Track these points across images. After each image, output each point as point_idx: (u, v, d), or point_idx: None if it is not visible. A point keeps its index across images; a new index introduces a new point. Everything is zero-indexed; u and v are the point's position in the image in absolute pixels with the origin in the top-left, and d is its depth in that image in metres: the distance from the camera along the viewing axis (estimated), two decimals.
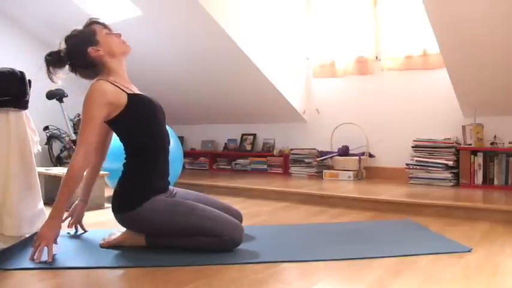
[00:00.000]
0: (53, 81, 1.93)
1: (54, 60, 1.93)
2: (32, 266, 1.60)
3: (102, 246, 1.86)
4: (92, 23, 1.95)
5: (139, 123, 1.86)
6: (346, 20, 4.14)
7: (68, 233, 2.14)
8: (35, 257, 1.60)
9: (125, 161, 1.91)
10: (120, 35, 1.96)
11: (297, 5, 4.42)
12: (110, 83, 1.86)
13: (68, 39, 1.93)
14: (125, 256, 1.74)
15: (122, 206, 1.83)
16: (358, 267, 1.60)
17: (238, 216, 2.04)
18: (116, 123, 1.85)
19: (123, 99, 1.83)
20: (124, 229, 1.89)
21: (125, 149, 1.91)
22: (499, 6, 2.56)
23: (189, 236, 1.77)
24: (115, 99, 1.82)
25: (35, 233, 1.93)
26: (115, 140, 3.17)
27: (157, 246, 1.82)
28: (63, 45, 1.93)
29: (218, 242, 1.75)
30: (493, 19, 2.67)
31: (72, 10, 3.99)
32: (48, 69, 1.93)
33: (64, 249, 1.86)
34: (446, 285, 1.41)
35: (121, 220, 1.86)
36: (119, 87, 1.86)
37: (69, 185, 1.75)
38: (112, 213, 1.89)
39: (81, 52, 1.89)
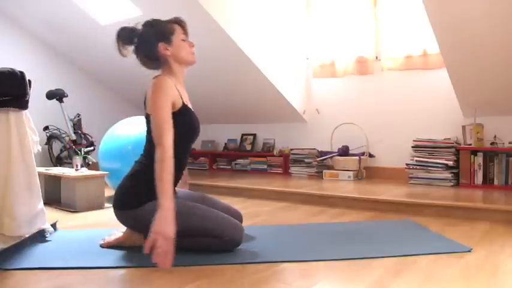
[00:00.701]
0: (121, 55, 1.92)
1: (123, 36, 1.90)
2: (32, 266, 1.60)
3: (102, 246, 1.86)
4: (176, 22, 1.95)
5: (177, 134, 1.80)
6: (346, 20, 4.14)
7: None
8: (158, 260, 1.43)
9: (141, 158, 1.90)
10: (193, 46, 1.96)
11: (297, 5, 4.41)
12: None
13: (146, 24, 1.91)
14: (125, 256, 1.74)
15: (125, 204, 1.81)
16: (358, 267, 1.60)
17: (239, 217, 2.04)
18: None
19: (178, 105, 1.82)
20: (124, 229, 1.89)
21: (146, 148, 1.89)
22: (499, 6, 2.56)
23: (189, 236, 1.77)
24: (174, 100, 1.81)
25: (35, 233, 1.94)
26: (115, 140, 3.19)
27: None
28: (139, 27, 1.91)
29: (218, 243, 1.75)
30: (493, 19, 2.67)
31: (72, 10, 3.99)
32: (118, 42, 1.90)
33: (64, 249, 1.86)
34: (446, 285, 1.41)
35: (121, 217, 1.85)
36: (178, 92, 1.84)
37: (169, 166, 1.63)
38: (113, 212, 1.88)
39: (151, 43, 1.88)
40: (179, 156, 1.82)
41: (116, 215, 1.87)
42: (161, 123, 1.70)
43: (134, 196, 1.81)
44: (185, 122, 1.85)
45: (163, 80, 1.80)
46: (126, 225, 1.87)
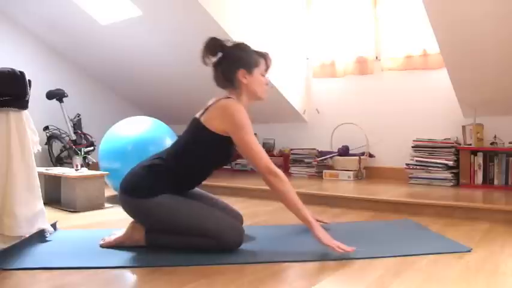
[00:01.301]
0: (203, 62, 1.92)
1: (210, 46, 1.91)
2: (32, 266, 1.60)
3: (102, 246, 1.86)
4: (265, 57, 1.96)
5: (212, 155, 1.88)
6: (346, 20, 4.14)
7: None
8: (345, 251, 1.66)
9: (164, 155, 1.89)
10: (267, 83, 1.99)
11: (297, 5, 4.41)
12: None
13: (236, 46, 1.94)
14: (125, 256, 1.74)
15: (137, 191, 1.80)
16: (358, 267, 1.60)
17: (239, 218, 2.04)
18: (213, 136, 1.83)
19: None
20: (124, 229, 1.88)
21: (178, 148, 1.90)
22: (499, 6, 2.56)
23: (189, 235, 1.77)
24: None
25: (35, 233, 1.94)
26: (115, 140, 3.19)
27: (157, 245, 1.82)
28: (229, 44, 1.92)
29: (218, 244, 1.75)
30: (493, 19, 2.67)
31: (72, 10, 3.99)
32: (204, 50, 1.92)
33: (64, 249, 1.86)
34: (446, 285, 1.41)
35: (127, 204, 1.84)
36: None
37: (293, 191, 1.81)
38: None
39: (234, 65, 1.90)
40: (198, 173, 1.91)
41: (121, 200, 1.85)
42: (259, 151, 1.77)
43: (147, 186, 1.80)
44: (225, 148, 1.88)
45: (241, 106, 1.83)
46: (129, 213, 1.86)
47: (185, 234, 1.78)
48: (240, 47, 1.93)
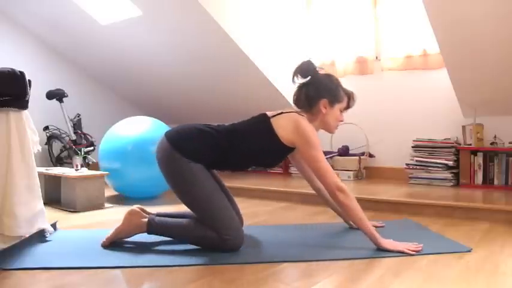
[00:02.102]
0: (292, 80, 1.99)
1: (304, 69, 1.97)
2: (32, 266, 1.60)
3: (104, 245, 1.86)
4: (349, 96, 2.03)
5: (269, 157, 1.95)
6: (346, 20, 4.14)
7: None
8: (416, 251, 1.74)
9: (219, 129, 1.91)
10: (341, 121, 2.04)
11: (297, 5, 4.41)
12: None
13: (327, 76, 2.00)
14: (125, 256, 1.74)
15: (181, 144, 1.81)
16: (358, 267, 1.60)
17: (241, 221, 2.05)
18: (275, 140, 1.87)
19: (293, 146, 1.90)
20: (120, 222, 1.89)
21: (235, 132, 1.91)
22: (499, 6, 2.56)
23: (195, 224, 1.79)
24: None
25: (35, 233, 1.94)
26: (115, 140, 3.19)
27: (157, 234, 1.85)
28: (321, 71, 2.00)
29: (220, 240, 1.74)
30: (493, 19, 2.67)
31: (72, 10, 3.99)
32: (296, 70, 1.98)
33: (64, 249, 1.86)
34: (446, 285, 1.41)
35: (163, 151, 1.84)
36: None
37: (358, 206, 1.82)
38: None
39: (319, 93, 1.94)
40: (241, 162, 1.95)
41: (161, 147, 1.85)
42: (327, 168, 1.82)
43: (193, 147, 1.82)
44: (280, 155, 1.96)
45: (314, 131, 1.88)
46: (160, 162, 1.85)
47: (197, 214, 1.80)
48: (331, 79, 1.99)
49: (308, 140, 1.83)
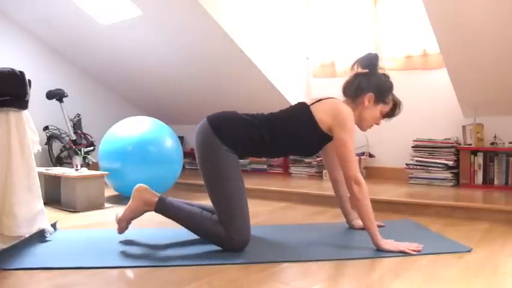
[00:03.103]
0: (351, 67, 2.04)
1: (365, 59, 2.01)
2: (32, 266, 1.60)
3: (120, 231, 1.89)
4: (396, 104, 2.04)
5: (307, 144, 1.95)
6: (346, 20, 4.14)
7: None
8: (416, 251, 1.74)
9: (259, 117, 1.92)
10: (377, 124, 2.05)
11: (297, 5, 4.41)
12: None
13: (384, 76, 1.99)
14: (125, 256, 1.74)
15: (221, 131, 1.82)
16: (358, 267, 1.60)
17: None
18: (314, 126, 1.88)
19: (330, 133, 1.90)
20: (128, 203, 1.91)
21: (276, 120, 1.92)
22: (500, 6, 2.56)
23: (205, 211, 1.82)
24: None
25: (35, 233, 1.94)
26: (115, 140, 3.19)
27: (164, 214, 1.85)
28: (380, 70, 2.00)
29: (225, 238, 1.74)
30: (493, 19, 2.67)
31: (72, 10, 3.99)
32: (359, 60, 2.04)
33: (64, 249, 1.86)
34: (446, 285, 1.41)
35: (204, 134, 1.84)
36: None
37: (369, 203, 1.82)
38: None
39: (370, 86, 1.94)
40: (279, 150, 1.96)
41: (202, 130, 1.85)
42: (352, 158, 1.82)
43: (235, 136, 1.83)
44: (317, 142, 1.95)
45: (352, 118, 1.88)
46: (198, 144, 1.85)
47: (216, 205, 1.80)
48: (387, 79, 1.99)
49: (343, 122, 1.84)
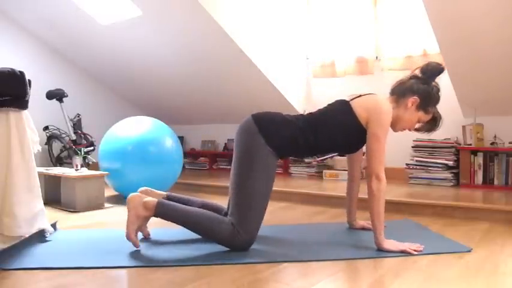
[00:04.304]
0: (412, 69, 2.02)
1: (427, 66, 1.97)
2: (32, 266, 1.60)
3: (136, 246, 1.81)
4: (436, 118, 2.01)
5: (346, 139, 1.94)
6: (346, 20, 4.14)
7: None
8: (417, 251, 1.75)
9: (302, 119, 1.92)
10: (409, 129, 2.04)
11: (297, 5, 4.42)
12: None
13: (436, 87, 1.97)
14: (125, 256, 1.74)
15: (265, 130, 1.82)
16: (358, 267, 1.60)
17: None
18: (353, 120, 1.89)
19: (366, 128, 1.89)
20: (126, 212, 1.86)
21: (319, 121, 1.92)
22: (500, 6, 2.56)
23: (207, 210, 1.80)
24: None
25: (35, 233, 1.94)
26: (115, 140, 3.19)
27: (165, 214, 1.81)
28: (434, 80, 1.97)
29: (230, 235, 1.73)
30: (494, 19, 2.67)
31: (72, 10, 3.99)
32: (425, 66, 1.99)
33: (64, 249, 1.86)
34: (446, 285, 1.41)
35: (247, 130, 1.85)
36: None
37: (384, 200, 1.81)
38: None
39: (419, 91, 1.93)
40: (320, 148, 1.94)
41: (245, 126, 1.86)
42: (381, 154, 1.82)
43: (277, 136, 1.83)
44: (357, 136, 1.92)
45: (390, 115, 1.88)
46: (239, 137, 1.87)
47: (237, 202, 1.78)
48: (437, 91, 1.96)
49: (381, 117, 1.84)
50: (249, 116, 1.90)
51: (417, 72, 1.98)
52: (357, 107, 1.89)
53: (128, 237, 1.80)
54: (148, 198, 1.82)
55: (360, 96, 1.96)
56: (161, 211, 1.80)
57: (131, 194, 1.86)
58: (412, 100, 1.93)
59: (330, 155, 4.05)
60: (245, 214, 1.76)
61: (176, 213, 1.81)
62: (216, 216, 1.81)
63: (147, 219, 1.90)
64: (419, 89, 1.93)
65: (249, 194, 1.78)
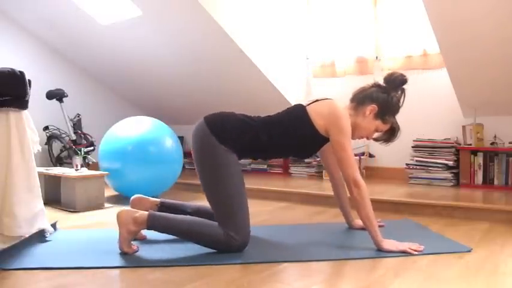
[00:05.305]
0: (382, 80, 2.01)
1: (391, 76, 1.98)
2: (32, 266, 1.60)
3: (132, 251, 1.76)
4: (394, 129, 2.05)
5: (303, 145, 1.95)
6: (346, 20, 4.14)
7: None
8: (417, 251, 1.75)
9: (256, 119, 1.92)
10: (366, 138, 2.03)
11: (297, 5, 4.41)
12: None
13: (396, 98, 1.99)
14: (125, 256, 1.73)
15: (217, 130, 1.81)
16: (358, 267, 1.60)
17: None
18: (310, 128, 1.89)
19: (327, 135, 1.90)
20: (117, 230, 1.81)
21: (272, 122, 1.92)
22: (500, 6, 2.56)
23: (198, 218, 1.79)
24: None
25: (35, 233, 1.94)
26: (115, 140, 3.19)
27: (158, 225, 1.77)
28: (398, 92, 1.99)
29: (224, 240, 1.72)
30: (494, 19, 2.67)
31: (72, 10, 3.99)
32: (390, 75, 2.01)
33: (64, 249, 1.86)
34: (446, 285, 1.41)
35: (201, 134, 1.83)
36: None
37: (370, 203, 1.82)
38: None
39: (378, 100, 1.94)
40: (274, 151, 1.95)
41: (198, 130, 1.85)
42: (351, 159, 1.82)
43: (233, 136, 1.82)
44: (313, 143, 1.95)
45: (348, 120, 1.87)
46: (195, 145, 1.85)
47: (215, 207, 1.78)
48: (397, 102, 1.98)
49: (339, 126, 1.84)
50: (202, 118, 1.89)
51: (380, 81, 1.99)
52: (313, 112, 1.89)
53: (121, 250, 1.76)
54: (139, 213, 1.76)
55: (317, 101, 1.96)
56: (153, 224, 1.76)
57: (121, 210, 1.78)
58: (371, 108, 1.93)
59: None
60: (230, 219, 1.74)
61: (168, 223, 1.78)
62: (208, 224, 1.77)
63: (139, 232, 1.85)
64: (379, 98, 1.94)
65: (225, 199, 1.77)
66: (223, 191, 1.78)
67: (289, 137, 1.90)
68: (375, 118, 1.95)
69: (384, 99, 1.94)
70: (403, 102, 2.01)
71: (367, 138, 2.04)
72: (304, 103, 1.98)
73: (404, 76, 1.95)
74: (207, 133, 1.81)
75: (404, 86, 1.97)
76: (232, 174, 1.80)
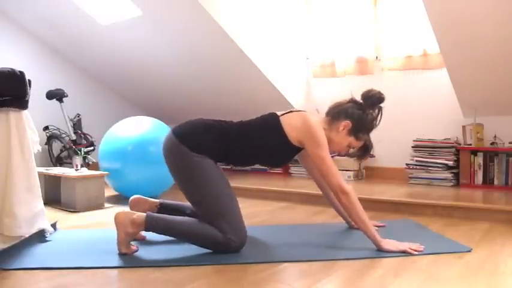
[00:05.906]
0: (360, 97, 2.01)
1: (368, 93, 1.98)
2: (32, 266, 1.60)
3: (130, 252, 1.76)
4: (367, 146, 2.02)
5: (276, 155, 1.95)
6: (346, 20, 4.14)
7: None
8: (418, 251, 1.75)
9: (229, 125, 1.92)
10: (339, 154, 2.07)
11: (297, 5, 4.41)
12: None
13: (371, 115, 1.98)
14: (125, 256, 1.74)
15: (187, 140, 1.80)
16: (358, 267, 1.60)
17: None
18: (283, 138, 1.89)
19: (301, 146, 1.91)
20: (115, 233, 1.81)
21: (245, 128, 1.92)
22: (500, 6, 2.56)
23: (196, 219, 1.77)
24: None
25: (35, 233, 1.94)
26: (115, 140, 3.19)
27: (156, 228, 1.76)
28: (374, 110, 1.98)
29: (222, 241, 1.71)
30: (493, 19, 2.67)
31: (72, 10, 3.98)
32: (368, 92, 2.01)
33: (64, 249, 1.86)
34: (446, 285, 1.41)
35: (171, 146, 1.83)
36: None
37: (360, 206, 1.81)
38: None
39: (353, 116, 1.94)
40: (247, 159, 1.96)
41: (167, 143, 1.85)
42: (333, 169, 1.82)
43: (199, 141, 1.81)
44: (286, 154, 1.94)
45: (322, 131, 1.87)
46: (167, 158, 1.85)
47: (203, 213, 1.76)
48: (371, 120, 1.97)
49: (315, 139, 1.83)
50: (169, 131, 1.89)
51: (357, 98, 1.99)
52: (286, 124, 1.89)
53: (120, 252, 1.75)
54: (137, 215, 1.75)
55: (291, 111, 1.95)
56: (151, 226, 1.76)
57: (118, 212, 1.78)
58: (344, 124, 1.93)
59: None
60: (224, 222, 1.73)
61: (166, 225, 1.77)
62: (206, 225, 1.76)
63: (137, 233, 1.83)
64: (354, 114, 1.93)
65: (212, 200, 1.76)
66: (208, 194, 1.77)
67: (259, 144, 1.89)
68: (348, 134, 1.95)
69: (358, 116, 1.94)
70: (379, 121, 1.99)
71: (340, 154, 2.04)
72: (278, 112, 1.96)
73: (382, 94, 1.95)
74: (176, 143, 1.81)
75: (381, 105, 1.96)
76: (212, 176, 1.79)
